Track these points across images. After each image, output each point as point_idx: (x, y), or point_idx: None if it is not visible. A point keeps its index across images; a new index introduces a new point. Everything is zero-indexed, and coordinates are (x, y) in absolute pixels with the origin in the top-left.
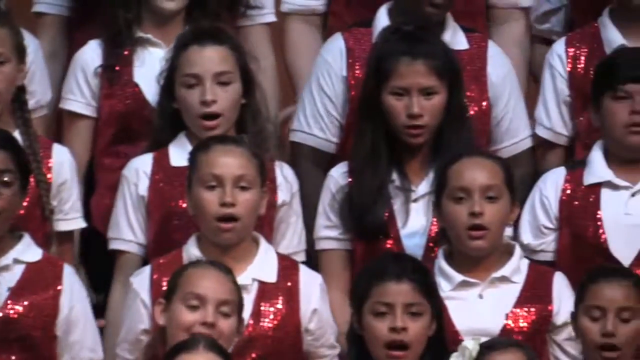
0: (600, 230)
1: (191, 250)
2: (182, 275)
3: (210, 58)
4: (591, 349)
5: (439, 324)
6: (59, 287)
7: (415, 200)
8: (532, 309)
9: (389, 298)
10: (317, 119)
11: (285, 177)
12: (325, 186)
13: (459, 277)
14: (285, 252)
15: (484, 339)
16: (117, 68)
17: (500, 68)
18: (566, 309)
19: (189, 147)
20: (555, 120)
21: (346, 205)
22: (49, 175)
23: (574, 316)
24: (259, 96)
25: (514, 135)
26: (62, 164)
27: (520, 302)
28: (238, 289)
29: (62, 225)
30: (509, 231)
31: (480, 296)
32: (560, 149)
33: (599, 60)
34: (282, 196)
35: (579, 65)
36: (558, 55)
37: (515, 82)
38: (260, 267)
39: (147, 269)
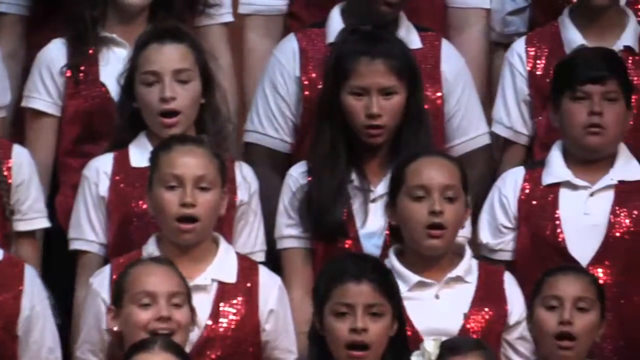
0: (559, 230)
1: (150, 250)
2: (127, 277)
3: (169, 55)
4: (548, 339)
5: (400, 324)
6: (20, 288)
7: (373, 201)
8: (488, 309)
9: (349, 299)
10: (271, 119)
11: (244, 176)
12: (285, 185)
13: (415, 278)
14: (243, 252)
15: (444, 339)
16: (82, 67)
17: (454, 65)
18: (517, 309)
19: (149, 147)
20: (515, 119)
21: (306, 204)
22: (7, 175)
23: (530, 311)
24: (219, 96)
25: (466, 132)
26: (21, 165)
27: (476, 303)
28: (184, 279)
29: (20, 226)
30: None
31: (437, 296)
32: (520, 148)
33: (558, 60)
34: (240, 196)
35: (538, 65)
36: (518, 54)
37: (469, 79)
38: (220, 267)
39: (106, 269)
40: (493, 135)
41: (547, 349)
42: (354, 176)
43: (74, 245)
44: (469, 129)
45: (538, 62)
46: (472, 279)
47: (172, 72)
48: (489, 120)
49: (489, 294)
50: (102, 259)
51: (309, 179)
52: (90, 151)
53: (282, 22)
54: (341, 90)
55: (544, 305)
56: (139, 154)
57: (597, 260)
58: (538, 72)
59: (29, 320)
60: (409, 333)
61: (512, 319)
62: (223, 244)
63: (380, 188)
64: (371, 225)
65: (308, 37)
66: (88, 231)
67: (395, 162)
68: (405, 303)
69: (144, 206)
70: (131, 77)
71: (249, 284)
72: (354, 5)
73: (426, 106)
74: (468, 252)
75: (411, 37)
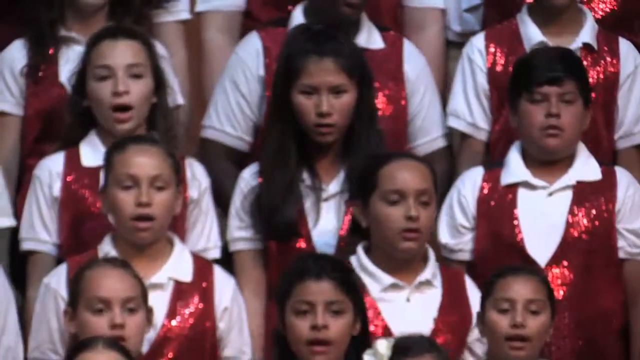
0: (517, 230)
1: (106, 250)
2: (82, 279)
3: (122, 50)
4: (500, 342)
5: (363, 324)
6: None
7: (326, 200)
8: (455, 313)
9: (310, 296)
10: (230, 117)
11: (194, 174)
12: (237, 187)
13: (388, 280)
14: (197, 249)
15: (395, 339)
16: (42, 67)
17: (416, 65)
18: (475, 311)
19: (100, 146)
20: (477, 115)
21: (256, 205)
22: None
23: (481, 313)
24: (169, 95)
25: (428, 133)
26: None
27: (444, 307)
28: (139, 281)
29: None
30: None
31: (408, 300)
32: (480, 143)
33: (516, 59)
34: (191, 193)
35: (498, 62)
36: (478, 50)
37: (431, 79)
38: (176, 266)
39: (63, 269)
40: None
41: (499, 350)
42: (305, 175)
43: (27, 246)
44: (431, 130)
45: (497, 58)
46: (438, 283)
47: (125, 67)
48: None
49: (454, 298)
50: (54, 259)
51: (260, 180)
52: (50, 150)
53: (240, 19)
54: (291, 89)
55: (496, 308)
56: (90, 153)
57: (555, 260)
58: (497, 69)
59: None
60: (380, 333)
61: (473, 322)
62: (178, 243)
63: (333, 187)
64: (324, 224)
65: (271, 35)
66: (41, 231)
67: (348, 163)
68: (379, 304)
69: (97, 205)
70: (82, 75)
71: (204, 283)
72: (316, 5)
73: (391, 107)
74: (432, 255)
75: (373, 37)
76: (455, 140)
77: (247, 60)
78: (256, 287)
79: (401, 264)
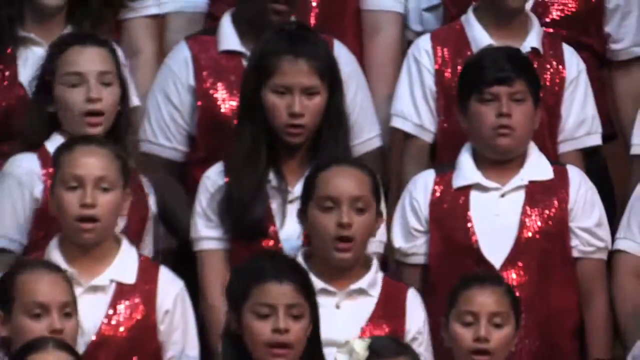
0: (471, 233)
1: (52, 252)
2: (16, 283)
3: (93, 57)
4: (463, 355)
5: (314, 326)
6: None
7: (291, 202)
8: (386, 325)
9: (271, 299)
10: (163, 128)
11: (151, 190)
12: (202, 187)
13: (318, 284)
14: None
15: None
16: (0, 67)
17: (346, 67)
18: (415, 327)
19: None
20: (424, 116)
21: (225, 204)
22: None
23: (445, 322)
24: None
25: (359, 135)
26: None
27: (374, 317)
28: (71, 285)
29: None
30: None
31: (337, 306)
32: (426, 145)
33: (464, 59)
34: (153, 207)
35: (445, 64)
36: (425, 51)
37: (362, 81)
38: (120, 268)
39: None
40: (391, 130)
41: None
42: (271, 176)
43: None
44: (361, 131)
45: (445, 60)
46: (375, 292)
47: (97, 74)
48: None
49: (389, 309)
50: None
51: (227, 179)
52: (7, 150)
53: (203, 21)
54: (263, 89)
55: (460, 321)
56: None
57: (509, 261)
58: (444, 71)
59: None
60: None
61: (408, 337)
62: (125, 244)
63: (298, 189)
64: (289, 226)
65: (200, 44)
66: (13, 230)
67: (312, 167)
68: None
69: None
70: (46, 80)
71: (147, 286)
72: (244, 13)
73: None
74: (375, 265)
75: None
76: (396, 142)
77: (177, 70)
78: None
79: (337, 271)
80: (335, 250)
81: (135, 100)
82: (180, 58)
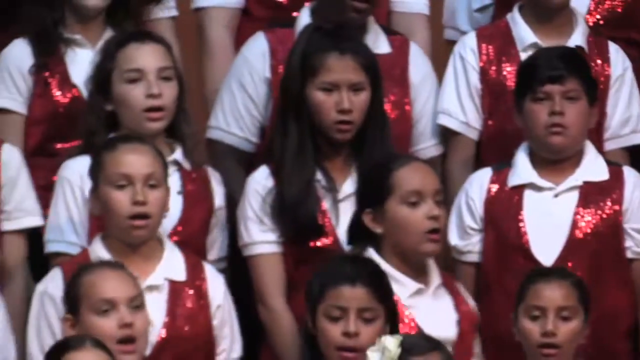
0: (523, 232)
1: (98, 251)
2: (81, 284)
3: (152, 53)
4: (532, 349)
5: (392, 328)
6: None
7: (341, 201)
8: (465, 312)
9: (343, 302)
10: (237, 118)
11: (218, 182)
12: (250, 191)
13: (414, 285)
14: (215, 258)
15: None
16: (50, 68)
17: (421, 69)
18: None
19: None
20: (470, 114)
21: (277, 206)
22: None
23: (515, 317)
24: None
25: (430, 138)
26: (9, 164)
27: (456, 308)
28: (136, 282)
29: (5, 225)
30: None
31: (431, 304)
32: (471, 142)
33: (510, 58)
34: (218, 201)
35: (490, 62)
36: (471, 49)
37: (435, 85)
38: (170, 265)
39: (58, 273)
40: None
41: (531, 357)
42: (319, 176)
43: (53, 248)
44: (432, 135)
45: (490, 58)
46: (440, 283)
47: (156, 70)
48: None
49: (459, 299)
50: None
51: (275, 181)
52: (60, 151)
53: (239, 16)
54: (308, 87)
55: (527, 315)
56: None
57: (560, 262)
58: (489, 69)
59: None
60: None
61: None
62: (168, 242)
63: (346, 187)
64: (344, 224)
65: (277, 37)
66: (70, 234)
67: (361, 163)
68: (408, 310)
69: None
70: (105, 79)
71: (198, 282)
72: (323, 9)
73: (396, 111)
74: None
75: (380, 41)
76: (448, 139)
77: (254, 62)
78: (284, 290)
79: (418, 268)
80: (428, 241)
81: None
82: (258, 50)
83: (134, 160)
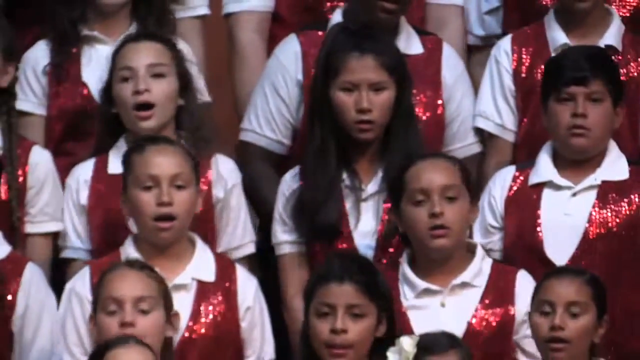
0: (538, 230)
1: (128, 251)
2: (102, 283)
3: (143, 51)
4: (541, 343)
5: (390, 326)
6: (17, 284)
7: (364, 200)
8: (492, 315)
9: (331, 299)
10: (269, 120)
11: (219, 173)
12: (279, 191)
13: (421, 285)
14: (231, 247)
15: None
16: (64, 66)
17: (454, 69)
18: (525, 308)
19: None
20: (505, 116)
21: (298, 207)
22: (22, 178)
23: (529, 314)
24: (197, 97)
25: (464, 138)
26: (36, 167)
27: (480, 309)
28: (158, 283)
29: (28, 228)
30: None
31: (442, 304)
32: (508, 144)
33: (543, 60)
34: (216, 193)
35: (523, 64)
36: (505, 52)
37: (469, 84)
38: (199, 266)
39: (86, 272)
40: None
41: (542, 352)
42: (344, 175)
43: (63, 254)
44: (467, 135)
45: (523, 60)
46: (481, 282)
47: (146, 66)
48: None
49: (496, 297)
50: None
51: (301, 182)
52: (74, 150)
53: (270, 20)
54: (331, 87)
55: (538, 310)
56: (117, 160)
57: (573, 261)
58: (522, 70)
59: (23, 318)
60: None
61: (518, 320)
62: (199, 243)
63: (371, 187)
64: (364, 225)
65: (310, 39)
66: (74, 239)
67: (386, 163)
68: (411, 312)
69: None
70: (109, 82)
71: (227, 283)
72: (354, 12)
73: (428, 112)
74: (479, 253)
75: (412, 42)
76: (486, 141)
77: (287, 64)
78: (301, 290)
79: (439, 266)
80: (431, 238)
81: (205, 96)
82: (290, 52)
83: (160, 161)
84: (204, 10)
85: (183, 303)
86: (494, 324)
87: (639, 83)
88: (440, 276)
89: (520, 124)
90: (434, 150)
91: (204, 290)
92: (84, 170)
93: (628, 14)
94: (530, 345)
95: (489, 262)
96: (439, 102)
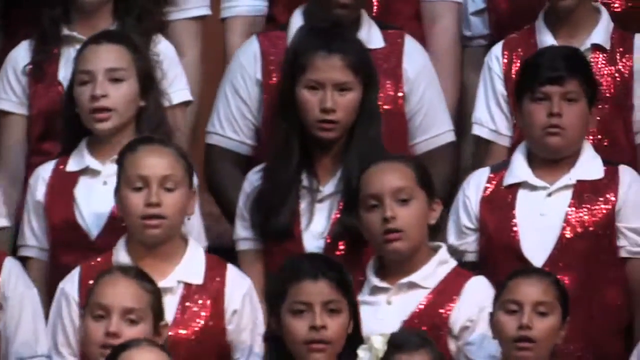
0: (514, 231)
1: (119, 253)
2: (94, 287)
3: (103, 55)
4: (507, 343)
5: (355, 323)
6: None
7: (320, 201)
8: (427, 318)
9: (307, 297)
10: (231, 122)
11: None
12: (242, 187)
13: (373, 282)
14: None
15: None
16: (43, 66)
17: (416, 63)
18: (466, 315)
19: (85, 151)
20: (499, 122)
21: (255, 205)
22: None
23: (491, 314)
24: (159, 98)
25: (428, 130)
26: None
27: (419, 310)
28: (151, 294)
29: None
30: None
31: (389, 302)
32: (504, 149)
33: (524, 59)
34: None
35: (513, 68)
36: (496, 57)
37: (433, 76)
38: (187, 268)
39: (75, 273)
40: (474, 137)
41: (507, 351)
42: (303, 176)
43: (20, 252)
44: (431, 127)
45: (513, 65)
46: (431, 284)
47: (104, 71)
48: (463, 112)
49: (440, 301)
50: (44, 264)
51: (261, 181)
52: (50, 150)
53: (262, 23)
54: (297, 85)
55: (504, 309)
56: (76, 159)
57: (550, 261)
58: (512, 73)
59: (4, 312)
60: None
61: (456, 327)
62: (192, 243)
63: (328, 188)
64: (315, 225)
65: (270, 39)
66: (29, 237)
67: (345, 165)
68: (362, 307)
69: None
70: (71, 82)
71: (215, 286)
72: (313, 9)
73: (388, 106)
74: (438, 257)
75: (373, 36)
76: (482, 147)
77: (246, 65)
78: (260, 288)
79: (398, 267)
80: (385, 242)
81: (181, 96)
82: (250, 52)
83: (151, 162)
84: (200, 12)
85: (168, 306)
86: (429, 325)
87: (630, 76)
88: (397, 275)
89: (515, 127)
90: (398, 145)
91: (189, 293)
92: (44, 170)
93: (620, 10)
94: (474, 354)
95: (450, 266)
96: (400, 94)
